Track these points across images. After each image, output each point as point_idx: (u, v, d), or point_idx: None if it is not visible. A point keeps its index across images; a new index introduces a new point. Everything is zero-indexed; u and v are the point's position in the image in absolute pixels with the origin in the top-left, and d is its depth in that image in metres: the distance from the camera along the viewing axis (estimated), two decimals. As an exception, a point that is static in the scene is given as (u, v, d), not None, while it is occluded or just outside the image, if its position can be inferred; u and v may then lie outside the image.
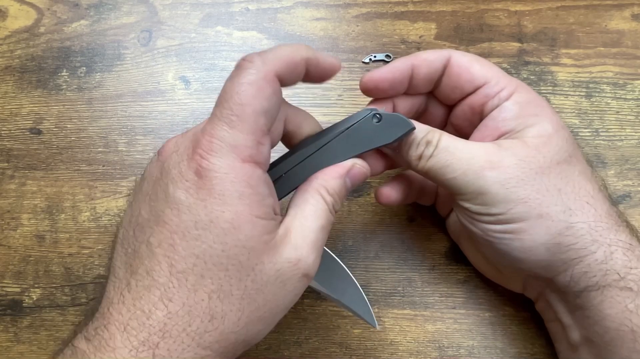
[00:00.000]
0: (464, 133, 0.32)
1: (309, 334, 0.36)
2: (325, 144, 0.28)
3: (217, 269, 0.23)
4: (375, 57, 0.42)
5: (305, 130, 0.29)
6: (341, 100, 0.41)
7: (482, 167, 0.27)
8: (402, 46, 0.42)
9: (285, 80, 0.25)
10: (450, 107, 0.33)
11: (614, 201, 0.37)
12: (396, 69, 0.30)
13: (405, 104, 0.32)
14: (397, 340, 0.35)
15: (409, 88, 0.31)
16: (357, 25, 0.43)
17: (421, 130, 0.29)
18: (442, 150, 0.28)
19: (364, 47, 0.43)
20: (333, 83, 0.41)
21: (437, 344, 0.35)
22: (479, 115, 0.30)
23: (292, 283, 0.25)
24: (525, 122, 0.28)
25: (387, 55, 0.42)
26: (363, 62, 0.42)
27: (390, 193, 0.33)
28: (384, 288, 0.36)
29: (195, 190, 0.23)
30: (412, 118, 0.29)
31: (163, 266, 0.23)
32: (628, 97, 0.40)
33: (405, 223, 0.38)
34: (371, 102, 0.31)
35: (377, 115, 0.28)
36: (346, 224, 0.38)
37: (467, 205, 0.28)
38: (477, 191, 0.27)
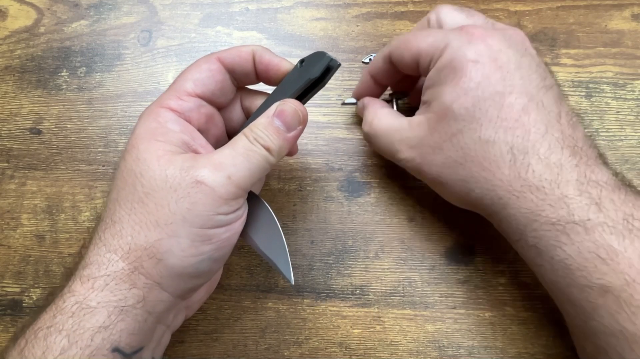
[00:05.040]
0: None
1: (309, 334, 0.36)
2: (265, 101, 0.32)
3: (119, 181, 0.28)
4: (375, 56, 0.42)
5: (259, 103, 0.33)
6: (341, 99, 0.41)
7: (397, 150, 0.32)
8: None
9: (232, 65, 0.31)
10: None
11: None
12: (362, 84, 0.37)
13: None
14: (397, 340, 0.35)
15: (385, 85, 0.37)
16: (357, 25, 0.43)
17: (363, 110, 0.36)
18: (371, 137, 0.34)
19: (364, 47, 0.43)
20: (333, 83, 0.41)
21: (437, 344, 0.35)
22: None
23: (184, 189, 0.26)
24: (433, 93, 0.30)
25: (387, 55, 0.42)
26: (363, 62, 0.42)
27: None
28: (384, 288, 0.36)
29: None
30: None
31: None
32: (628, 97, 0.40)
33: (405, 223, 0.38)
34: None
35: (302, 60, 0.31)
36: (346, 224, 0.38)
37: None
38: (402, 167, 0.33)
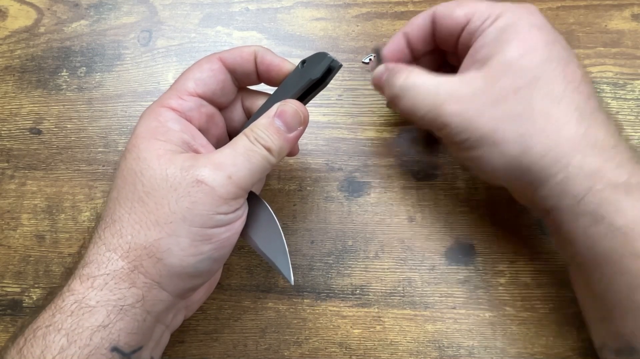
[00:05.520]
0: None
1: (309, 334, 0.36)
2: (266, 102, 0.32)
3: (120, 180, 0.28)
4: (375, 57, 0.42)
5: (260, 104, 0.33)
6: (341, 100, 0.41)
7: (443, 102, 0.29)
8: (402, 46, 0.42)
9: (233, 66, 0.31)
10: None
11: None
12: (395, 43, 0.34)
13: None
14: (397, 340, 0.35)
15: (414, 51, 0.34)
16: (357, 25, 0.43)
17: (390, 71, 0.32)
18: (409, 90, 0.31)
19: (364, 47, 0.43)
20: (333, 83, 0.41)
21: (437, 344, 0.35)
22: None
23: (184, 188, 0.26)
24: (494, 50, 0.29)
25: (387, 55, 0.42)
26: (363, 62, 0.42)
27: None
28: (384, 288, 0.36)
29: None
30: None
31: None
32: (628, 97, 0.40)
33: (405, 223, 0.38)
34: None
35: (304, 61, 0.31)
36: (346, 224, 0.38)
37: (439, 135, 0.31)
38: (441, 125, 0.30)
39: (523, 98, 0.28)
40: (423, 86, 0.30)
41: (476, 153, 0.29)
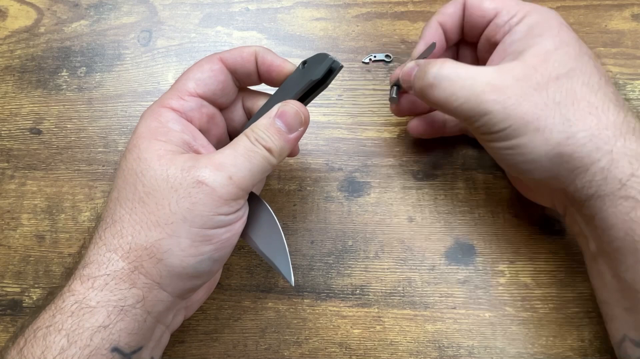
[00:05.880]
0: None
1: (309, 334, 0.36)
2: (267, 102, 0.32)
3: (120, 180, 0.28)
4: (375, 57, 0.42)
5: (261, 104, 0.33)
6: (341, 100, 0.41)
7: (483, 90, 0.28)
8: (402, 46, 0.42)
9: (234, 66, 0.31)
10: (476, 47, 0.35)
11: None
12: (434, 29, 0.34)
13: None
14: (397, 340, 0.35)
15: (448, 40, 0.35)
16: (357, 25, 0.43)
17: (423, 62, 0.32)
18: (444, 79, 0.30)
19: (364, 47, 0.43)
20: (333, 83, 0.41)
21: (437, 344, 0.35)
22: (495, 46, 0.32)
23: (185, 189, 0.26)
24: (528, 43, 0.30)
25: (387, 55, 0.42)
26: (363, 62, 0.42)
27: (418, 125, 0.38)
28: (384, 288, 0.36)
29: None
30: None
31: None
32: (628, 97, 0.40)
33: (405, 223, 0.38)
34: None
35: (304, 62, 0.31)
36: (346, 224, 0.38)
37: (474, 126, 0.30)
38: (480, 113, 0.29)
39: (564, 86, 0.28)
40: (459, 75, 0.29)
41: (517, 142, 0.29)
